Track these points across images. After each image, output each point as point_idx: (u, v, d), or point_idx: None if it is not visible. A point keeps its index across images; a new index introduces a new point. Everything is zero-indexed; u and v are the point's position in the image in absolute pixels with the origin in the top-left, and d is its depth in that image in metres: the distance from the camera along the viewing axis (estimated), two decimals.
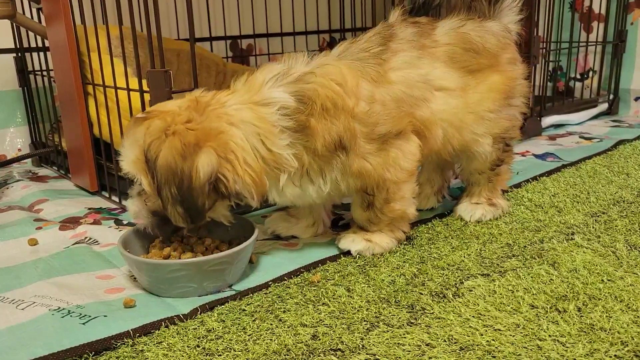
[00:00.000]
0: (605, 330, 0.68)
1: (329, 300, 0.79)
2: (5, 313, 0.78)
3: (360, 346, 0.68)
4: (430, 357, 0.65)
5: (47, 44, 1.41)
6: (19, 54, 1.60)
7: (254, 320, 0.75)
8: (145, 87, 1.05)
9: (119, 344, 0.70)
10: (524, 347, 0.66)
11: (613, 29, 2.10)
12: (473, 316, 0.73)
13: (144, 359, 0.67)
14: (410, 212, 0.96)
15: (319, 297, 0.80)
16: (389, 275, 0.86)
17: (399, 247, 0.97)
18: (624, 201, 1.14)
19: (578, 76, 2.24)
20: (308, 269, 0.90)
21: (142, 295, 0.83)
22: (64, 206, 1.23)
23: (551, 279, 0.82)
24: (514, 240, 0.97)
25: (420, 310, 0.76)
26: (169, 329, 0.73)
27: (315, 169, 0.86)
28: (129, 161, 0.82)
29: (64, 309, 0.78)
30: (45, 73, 1.53)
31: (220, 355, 0.67)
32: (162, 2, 1.82)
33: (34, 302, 0.80)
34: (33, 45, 1.55)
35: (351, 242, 0.95)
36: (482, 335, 0.69)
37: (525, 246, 0.95)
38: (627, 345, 0.65)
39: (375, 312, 0.76)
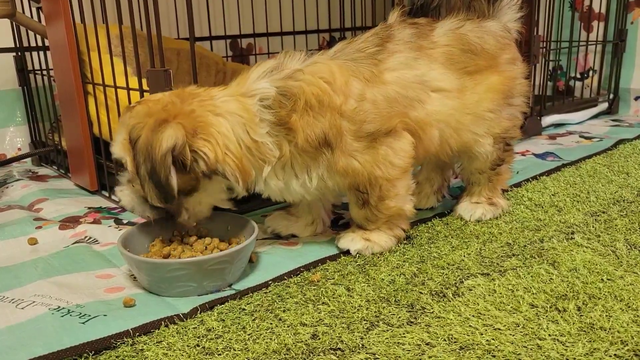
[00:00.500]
0: (605, 330, 0.68)
1: (329, 300, 0.79)
2: (5, 312, 0.78)
3: (360, 345, 0.68)
4: (430, 357, 0.65)
5: (46, 43, 1.40)
6: (19, 53, 1.60)
7: (254, 320, 0.75)
8: (145, 87, 1.05)
9: (118, 343, 0.70)
10: (524, 347, 0.66)
11: (613, 28, 2.10)
12: (473, 315, 0.73)
13: (144, 358, 0.67)
14: (406, 208, 0.96)
15: (319, 297, 0.80)
16: (389, 275, 0.86)
17: (398, 246, 0.97)
18: (624, 200, 1.14)
19: (578, 75, 2.24)
20: (308, 269, 0.90)
21: (141, 295, 0.83)
22: (64, 205, 1.23)
23: (551, 278, 0.82)
24: (514, 240, 0.97)
25: (420, 309, 0.76)
26: (168, 328, 0.73)
27: (300, 163, 0.87)
28: (117, 144, 0.85)
29: (63, 308, 0.78)
30: (45, 72, 1.53)
31: (220, 354, 0.67)
32: (162, 1, 1.81)
33: (34, 302, 0.80)
34: (33, 44, 1.55)
35: (350, 241, 0.95)
36: (482, 334, 0.69)
37: (525, 245, 0.95)
38: (627, 344, 0.65)
39: (375, 312, 0.76)
